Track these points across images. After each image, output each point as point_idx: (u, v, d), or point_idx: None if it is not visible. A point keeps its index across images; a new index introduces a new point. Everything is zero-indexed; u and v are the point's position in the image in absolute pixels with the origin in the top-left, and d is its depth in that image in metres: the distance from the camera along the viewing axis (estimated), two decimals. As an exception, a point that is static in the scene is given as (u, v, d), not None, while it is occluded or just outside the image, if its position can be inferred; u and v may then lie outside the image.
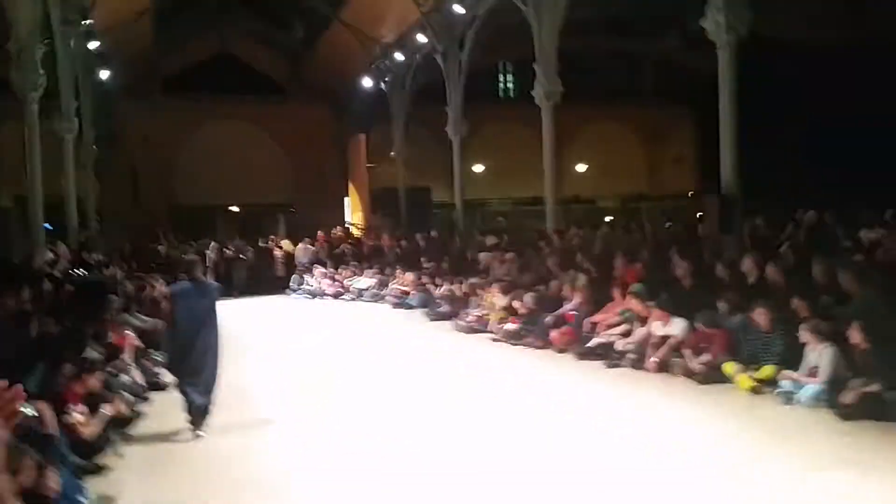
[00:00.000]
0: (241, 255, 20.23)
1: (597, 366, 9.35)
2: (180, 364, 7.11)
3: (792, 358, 7.52)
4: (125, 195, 24.96)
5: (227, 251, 20.10)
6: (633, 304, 9.60)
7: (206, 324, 7.09)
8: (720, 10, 10.90)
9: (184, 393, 7.00)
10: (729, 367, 7.96)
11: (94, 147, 21.37)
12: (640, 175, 32.10)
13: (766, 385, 7.61)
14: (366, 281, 18.58)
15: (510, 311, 11.68)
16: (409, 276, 17.05)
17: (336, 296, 18.83)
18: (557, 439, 6.44)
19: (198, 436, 6.90)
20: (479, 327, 12.31)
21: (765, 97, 19.63)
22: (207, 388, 7.02)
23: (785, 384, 7.33)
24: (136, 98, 24.45)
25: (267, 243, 21.37)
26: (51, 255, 12.27)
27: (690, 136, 31.18)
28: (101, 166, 22.52)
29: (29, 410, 5.06)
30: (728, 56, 11.10)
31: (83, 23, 16.93)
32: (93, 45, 18.41)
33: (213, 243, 20.06)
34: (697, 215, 15.33)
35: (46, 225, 13.75)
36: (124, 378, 8.04)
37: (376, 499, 5.32)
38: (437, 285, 15.61)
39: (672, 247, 11.71)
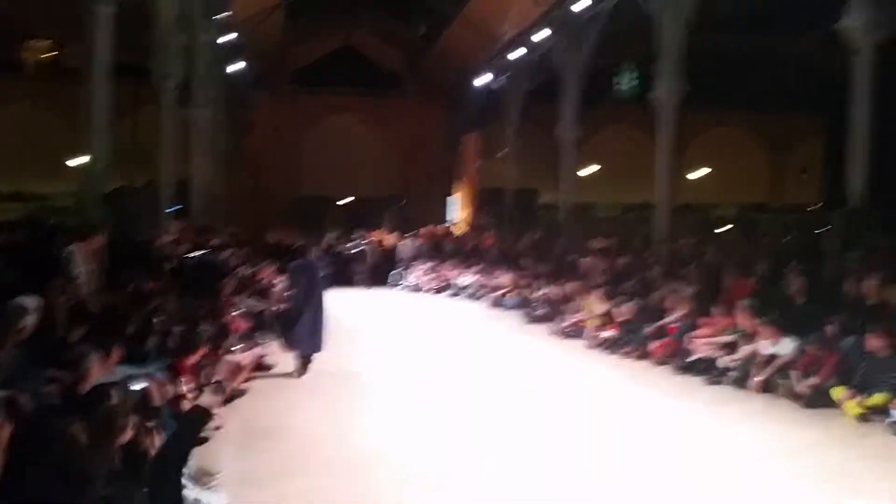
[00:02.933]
0: (357, 249, 20.49)
1: (696, 382, 9.03)
2: (289, 321, 9.23)
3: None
4: (247, 182, 26.21)
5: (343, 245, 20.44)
6: (742, 319, 9.19)
7: (316, 291, 9.25)
8: (863, 6, 10.20)
9: (288, 340, 9.16)
10: (837, 392, 7.53)
11: (225, 135, 22.51)
12: (762, 184, 30.58)
13: (875, 413, 7.15)
14: (466, 278, 18.70)
15: (609, 318, 11.46)
16: (508, 276, 17.01)
17: (436, 291, 19.06)
18: (653, 457, 6.27)
19: (299, 376, 8.94)
20: (576, 333, 12.15)
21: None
22: (307, 341, 9.07)
23: (896, 414, 6.85)
24: (265, 89, 25.62)
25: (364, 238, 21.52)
26: (173, 236, 13.07)
27: (819, 146, 29.35)
28: (230, 154, 23.75)
29: (137, 386, 5.46)
30: (867, 58, 10.40)
31: (221, 16, 17.81)
32: (228, 37, 19.34)
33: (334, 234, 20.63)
34: (821, 229, 14.47)
35: (174, 206, 14.62)
36: (231, 357, 8.46)
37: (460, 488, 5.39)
38: (535, 288, 15.49)
39: (789, 261, 11.15)
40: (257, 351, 6.73)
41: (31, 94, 24.86)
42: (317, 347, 9.25)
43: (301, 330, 9.15)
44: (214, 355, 7.52)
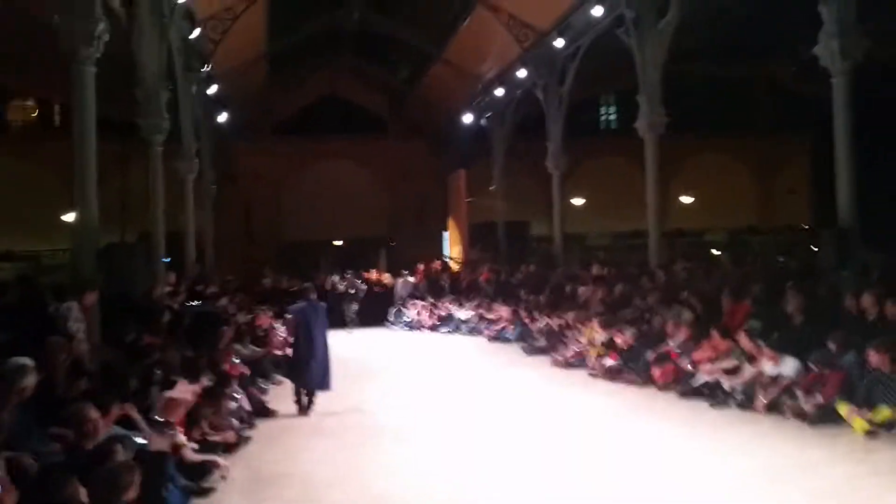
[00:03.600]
0: (351, 290, 20.24)
1: (702, 406, 9.00)
2: (298, 364, 9.55)
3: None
4: (238, 230, 26.26)
5: (339, 286, 20.18)
6: (744, 341, 9.20)
7: (319, 333, 9.58)
8: (833, 36, 10.46)
9: (298, 383, 9.47)
10: (843, 409, 7.50)
11: (213, 185, 22.62)
12: (751, 207, 30.79)
13: (882, 428, 7.13)
14: (465, 313, 18.69)
15: (609, 347, 11.44)
16: (506, 309, 17.02)
17: (434, 328, 19.04)
18: (662, 483, 6.23)
19: (307, 415, 9.28)
20: (577, 362, 12.12)
21: (884, 126, 18.53)
22: (317, 381, 9.43)
23: (904, 428, 6.84)
24: (250, 140, 25.87)
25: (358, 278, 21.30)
26: (169, 288, 13.04)
27: (805, 166, 29.73)
28: (218, 203, 23.83)
29: (139, 440, 5.40)
30: (843, 84, 10.62)
31: (204, 69, 18.09)
32: (212, 89, 19.56)
33: (335, 276, 20.47)
34: (813, 250, 14.59)
35: (165, 259, 14.61)
36: (232, 404, 8.39)
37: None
38: (534, 319, 15.49)
39: (786, 282, 11.21)
40: (196, 387, 6.69)
41: (18, 152, 24.94)
42: (326, 386, 9.65)
43: (308, 371, 9.47)
44: (216, 404, 7.45)
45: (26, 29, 15.79)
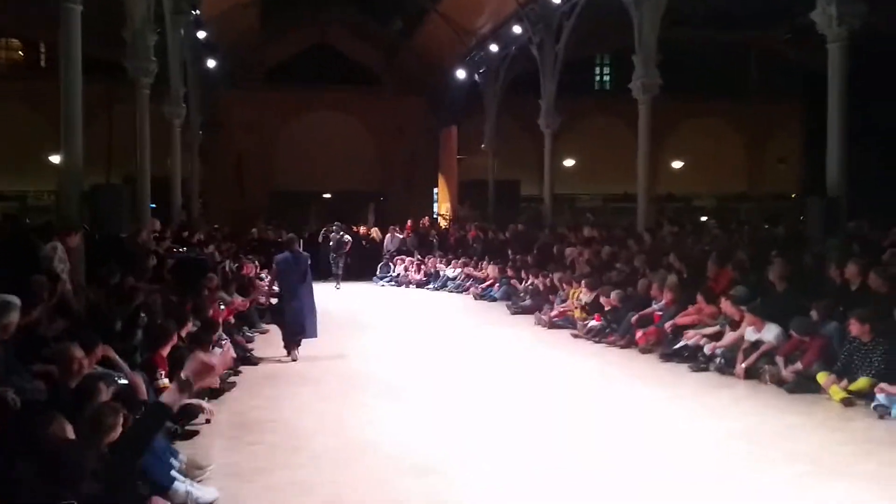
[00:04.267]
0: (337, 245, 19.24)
1: (682, 369, 9.12)
2: (282, 311, 9.89)
3: (890, 371, 7.13)
4: (227, 179, 26.03)
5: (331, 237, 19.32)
6: (727, 306, 9.28)
7: (303, 283, 9.89)
8: (831, 1, 10.35)
9: (284, 328, 9.81)
10: (822, 377, 7.60)
11: (200, 132, 22.32)
12: (741, 174, 30.83)
13: (860, 398, 7.24)
14: (452, 270, 18.74)
15: (594, 308, 11.52)
16: (493, 268, 17.07)
17: (421, 284, 19.10)
18: (639, 444, 6.31)
19: (293, 359, 9.60)
20: (562, 323, 12.21)
21: (877, 94, 18.50)
22: (301, 326, 9.70)
23: (881, 398, 6.95)
24: (241, 87, 25.46)
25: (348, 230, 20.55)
26: (154, 233, 12.95)
27: (796, 134, 29.73)
28: (207, 151, 23.54)
29: (122, 380, 5.39)
30: (839, 51, 10.54)
31: (193, 12, 17.70)
32: (201, 34, 19.18)
33: (335, 225, 19.65)
34: (800, 218, 14.65)
35: (151, 205, 14.50)
36: (217, 350, 8.40)
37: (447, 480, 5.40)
38: (521, 279, 15.56)
39: (772, 250, 11.28)
40: (229, 353, 6.67)
41: (4, 92, 24.46)
42: (312, 333, 9.91)
43: (293, 318, 9.74)
44: (203, 348, 7.43)
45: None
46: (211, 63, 21.47)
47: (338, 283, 18.64)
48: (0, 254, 8.47)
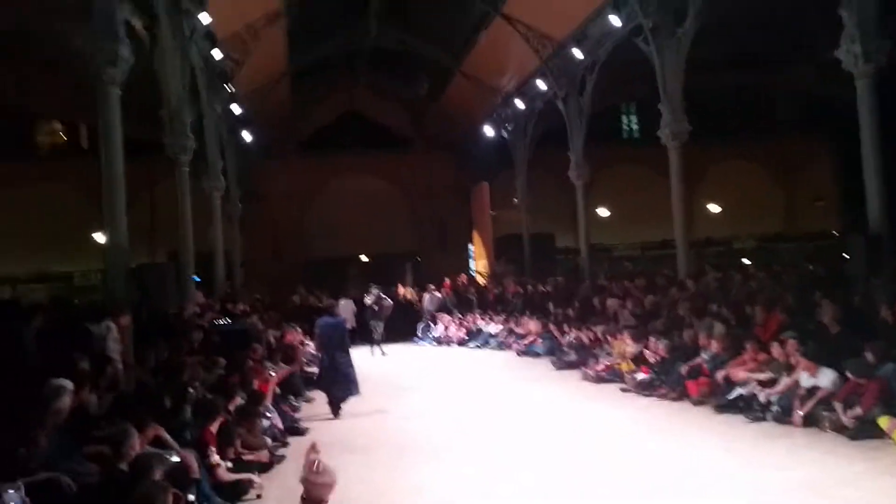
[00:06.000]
0: (376, 306, 18.61)
1: (738, 419, 8.83)
2: (325, 375, 10.57)
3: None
4: (266, 248, 26.48)
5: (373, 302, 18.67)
6: (779, 352, 9.03)
7: (342, 345, 10.62)
8: (854, 40, 10.35)
9: (327, 392, 10.48)
10: (884, 422, 7.32)
11: (239, 203, 22.85)
12: (777, 214, 30.43)
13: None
14: (493, 327, 18.60)
15: (641, 360, 11.30)
16: (535, 323, 16.90)
17: (462, 343, 18.97)
18: (700, 498, 6.12)
19: (338, 417, 10.26)
20: (609, 376, 11.98)
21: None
22: (343, 388, 10.35)
23: (947, 440, 6.66)
24: (276, 157, 26.14)
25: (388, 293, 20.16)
26: (198, 308, 13.15)
27: (830, 170, 29.35)
28: (245, 221, 24.06)
29: (174, 458, 5.42)
30: (867, 86, 10.49)
31: (227, 87, 18.32)
32: (236, 108, 19.80)
33: (373, 290, 18.93)
34: (843, 257, 14.35)
35: (195, 277, 14.76)
36: (265, 423, 8.42)
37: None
38: (564, 332, 15.37)
39: (816, 291, 11.02)
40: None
41: (48, 174, 25.38)
42: (354, 392, 10.53)
43: (328, 379, 10.52)
44: (249, 423, 7.47)
45: (52, 53, 16.15)
46: (247, 136, 22.07)
47: (378, 347, 17.88)
48: (50, 337, 8.66)
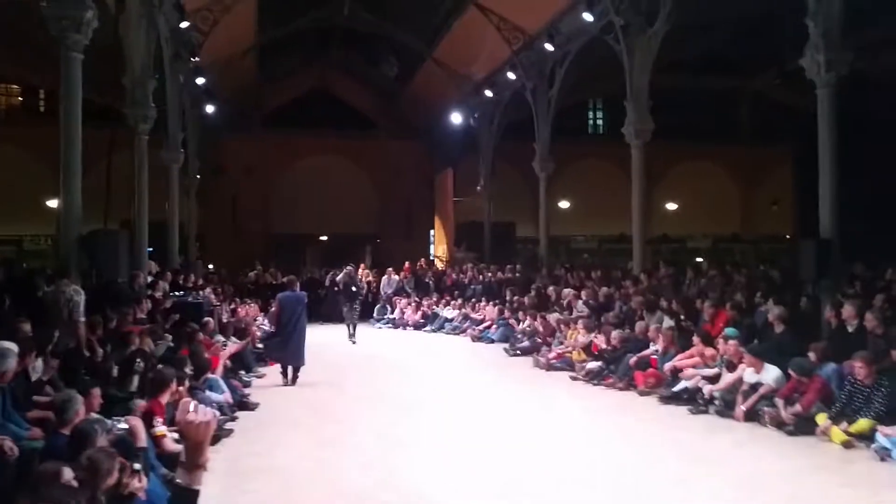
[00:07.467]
0: (353, 287, 17.19)
1: (681, 411, 9.05)
2: (281, 345, 11.12)
3: (891, 413, 7.11)
4: (225, 223, 26.13)
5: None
6: (725, 348, 9.27)
7: (300, 319, 11.13)
8: (819, 49, 10.59)
9: (282, 362, 11.07)
10: (821, 419, 7.58)
11: (198, 177, 22.47)
12: (734, 216, 31.03)
13: (860, 439, 7.20)
14: (450, 312, 18.71)
15: (593, 350, 11.49)
16: (492, 309, 17.06)
17: (418, 326, 19.04)
18: (639, 487, 6.26)
19: (293, 384, 10.85)
20: (560, 364, 12.16)
21: (867, 138, 18.81)
22: (297, 359, 11.01)
23: (881, 440, 6.90)
24: (239, 131, 25.75)
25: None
26: (151, 277, 12.95)
27: (788, 176, 30.03)
28: (204, 195, 23.64)
29: (121, 424, 5.36)
30: (828, 96, 10.75)
31: (192, 59, 17.99)
32: (200, 80, 19.45)
33: (347, 268, 17.63)
34: (794, 260, 14.74)
35: (148, 249, 14.51)
36: (214, 395, 8.35)
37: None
38: (519, 320, 15.55)
39: (767, 291, 11.34)
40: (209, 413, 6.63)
41: (3, 136, 24.62)
42: (302, 361, 11.14)
43: (289, 349, 11.02)
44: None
45: (13, 14, 15.63)
46: (209, 108, 21.69)
47: (353, 333, 16.49)
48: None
